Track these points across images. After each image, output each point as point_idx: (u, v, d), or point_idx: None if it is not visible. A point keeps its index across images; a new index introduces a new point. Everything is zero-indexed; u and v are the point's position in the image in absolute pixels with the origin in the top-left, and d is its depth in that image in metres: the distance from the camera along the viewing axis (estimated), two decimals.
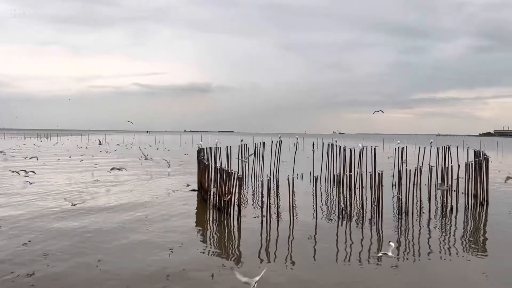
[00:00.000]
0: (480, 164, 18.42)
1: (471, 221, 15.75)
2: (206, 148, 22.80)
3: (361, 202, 15.75)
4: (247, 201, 18.42)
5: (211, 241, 12.93)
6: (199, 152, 21.98)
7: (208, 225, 14.83)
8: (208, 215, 15.93)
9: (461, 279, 9.54)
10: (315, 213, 15.08)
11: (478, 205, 17.68)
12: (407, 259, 11.05)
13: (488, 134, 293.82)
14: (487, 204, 17.95)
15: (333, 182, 24.33)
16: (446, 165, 19.34)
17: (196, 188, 20.82)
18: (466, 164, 18.35)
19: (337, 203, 16.33)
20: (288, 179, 15.08)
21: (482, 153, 20.00)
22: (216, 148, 23.31)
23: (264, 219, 14.30)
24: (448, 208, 16.52)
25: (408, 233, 13.61)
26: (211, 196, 17.12)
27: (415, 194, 16.84)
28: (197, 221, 15.26)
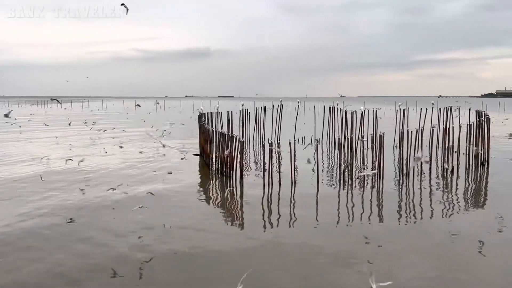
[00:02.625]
0: (481, 125, 18.40)
1: (471, 181, 15.89)
2: (207, 113, 22.80)
3: (362, 164, 15.86)
4: (249, 165, 18.57)
5: (214, 204, 13.10)
6: (200, 117, 21.98)
7: (211, 189, 15.02)
8: (210, 179, 16.10)
9: (460, 238, 9.69)
10: (316, 175, 15.21)
11: (479, 165, 17.78)
12: (409, 219, 11.23)
13: (490, 95, 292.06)
14: (488, 164, 18.05)
15: (335, 145, 24.47)
16: (448, 126, 19.32)
17: (198, 153, 20.96)
18: (467, 124, 18.32)
19: (338, 165, 16.46)
20: (290, 143, 15.13)
21: (484, 113, 19.92)
22: (217, 113, 23.30)
23: (267, 182, 14.45)
24: (449, 169, 16.62)
25: (409, 194, 13.78)
26: (213, 161, 17.24)
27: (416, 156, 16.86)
28: (200, 185, 15.42)
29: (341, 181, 15.13)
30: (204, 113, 22.37)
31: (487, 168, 17.67)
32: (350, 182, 14.97)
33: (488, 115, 19.44)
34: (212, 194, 14.29)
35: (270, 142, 15.24)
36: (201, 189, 14.93)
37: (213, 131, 18.19)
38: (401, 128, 21.40)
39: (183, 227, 10.24)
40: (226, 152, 15.32)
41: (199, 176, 16.98)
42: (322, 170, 17.02)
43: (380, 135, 15.44)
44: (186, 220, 10.80)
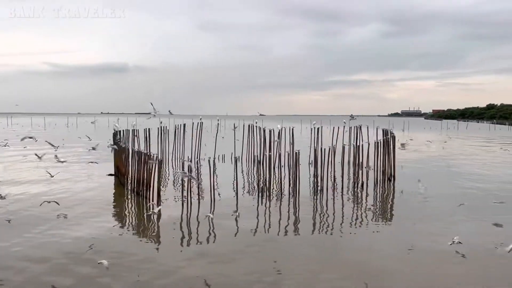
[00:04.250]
0: (387, 142, 19.80)
1: (379, 195, 16.97)
2: (123, 130, 22.00)
3: (279, 180, 16.25)
4: (167, 184, 18.16)
5: (130, 226, 12.59)
6: (115, 134, 21.14)
7: (126, 210, 14.42)
8: (126, 200, 15.46)
9: (369, 248, 10.27)
10: (235, 193, 15.29)
11: (386, 180, 19.05)
12: (322, 232, 11.67)
13: (396, 115, 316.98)
14: (394, 179, 19.41)
15: (254, 162, 24.81)
16: (358, 144, 20.55)
17: (113, 173, 20.06)
18: (375, 142, 19.61)
19: (257, 182, 16.69)
20: (209, 161, 15.09)
21: (390, 132, 21.48)
22: (133, 130, 22.56)
23: (185, 201, 14.22)
24: (359, 184, 17.61)
25: (323, 209, 14.34)
26: (129, 180, 16.62)
27: (329, 172, 17.68)
28: (115, 206, 14.75)
29: (259, 198, 15.35)
30: (120, 131, 21.57)
31: (393, 183, 19.00)
32: (268, 198, 15.24)
33: (393, 134, 21.01)
34: (128, 216, 13.72)
35: (189, 161, 15.05)
36: (116, 210, 14.28)
37: (129, 149, 17.58)
38: (315, 145, 22.30)
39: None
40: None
41: (113, 196, 16.24)
42: (243, 187, 17.15)
43: (296, 153, 15.97)
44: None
